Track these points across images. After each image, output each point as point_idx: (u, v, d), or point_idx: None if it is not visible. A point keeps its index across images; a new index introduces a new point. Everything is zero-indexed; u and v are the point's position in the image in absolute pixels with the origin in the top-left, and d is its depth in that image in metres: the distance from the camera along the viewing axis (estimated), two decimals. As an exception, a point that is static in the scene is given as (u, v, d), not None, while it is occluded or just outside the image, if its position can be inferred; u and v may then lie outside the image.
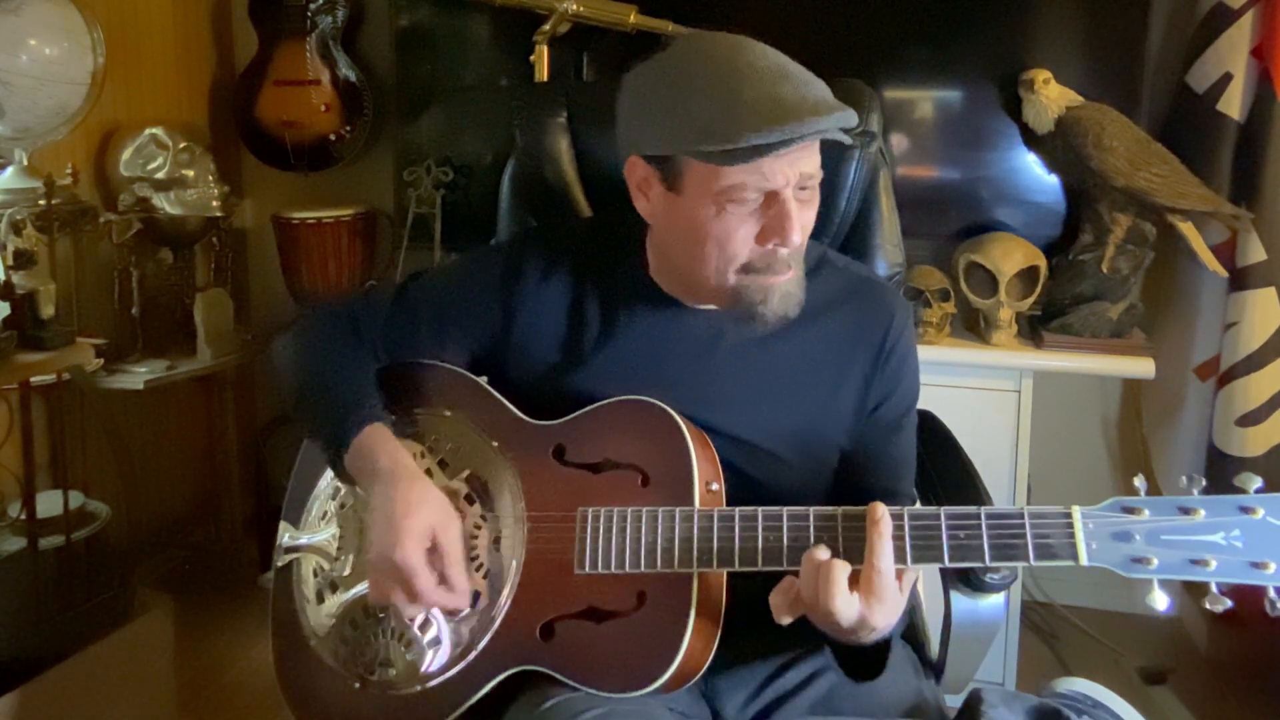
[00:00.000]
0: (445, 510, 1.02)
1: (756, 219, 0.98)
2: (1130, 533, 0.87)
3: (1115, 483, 2.42)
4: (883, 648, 0.98)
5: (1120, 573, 0.87)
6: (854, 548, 0.91)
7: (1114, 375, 2.22)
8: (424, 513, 1.00)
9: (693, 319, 1.10)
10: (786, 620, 0.93)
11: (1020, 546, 0.89)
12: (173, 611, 1.99)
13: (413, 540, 0.98)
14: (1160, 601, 0.85)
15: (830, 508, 0.94)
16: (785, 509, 0.95)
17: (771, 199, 0.97)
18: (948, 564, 0.91)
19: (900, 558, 0.90)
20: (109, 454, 1.98)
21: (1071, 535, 0.88)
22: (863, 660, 0.99)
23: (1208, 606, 0.85)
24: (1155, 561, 0.86)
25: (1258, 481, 0.86)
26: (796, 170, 0.96)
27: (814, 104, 0.92)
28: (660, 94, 0.98)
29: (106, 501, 1.99)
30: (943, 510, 0.91)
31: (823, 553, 0.91)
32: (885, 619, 0.91)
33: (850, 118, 0.94)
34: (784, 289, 1.02)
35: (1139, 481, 0.90)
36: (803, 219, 0.99)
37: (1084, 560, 0.87)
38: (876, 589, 0.89)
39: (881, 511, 0.90)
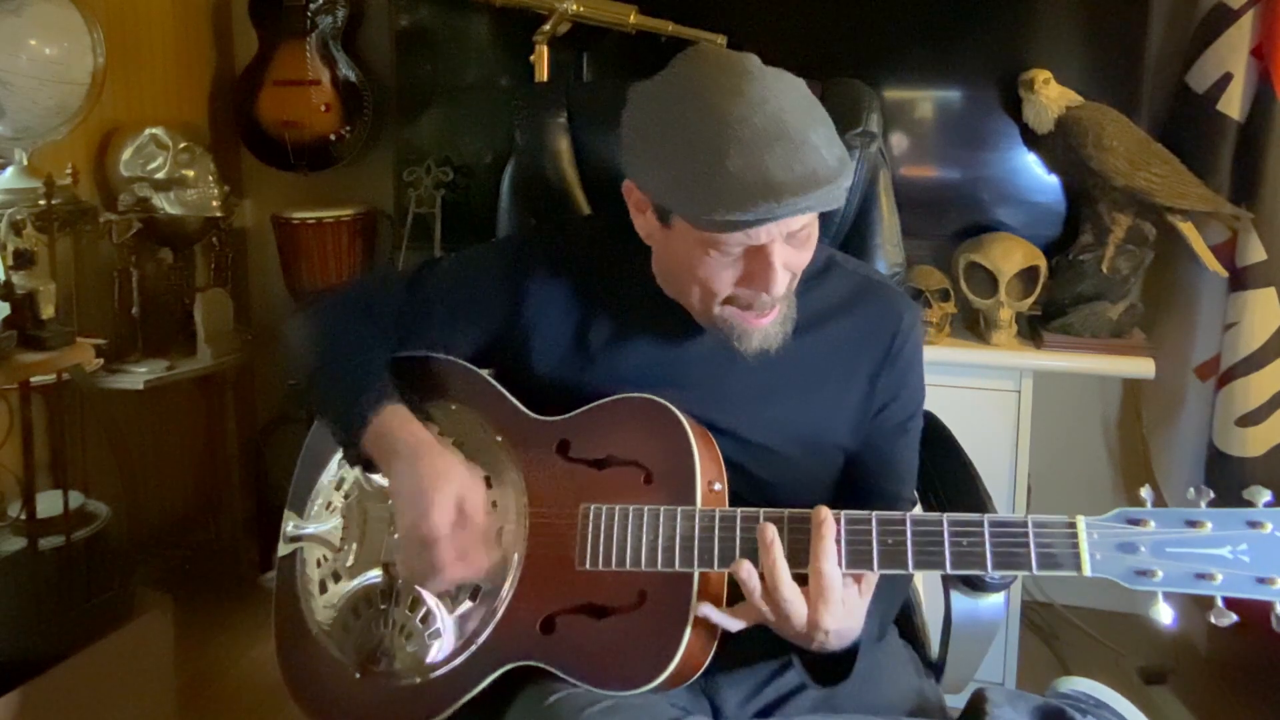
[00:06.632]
0: (469, 478, 1.03)
1: (740, 265, 0.98)
2: (1135, 544, 0.86)
3: (1116, 483, 2.42)
4: (851, 656, 0.98)
5: (1124, 585, 0.86)
6: (857, 551, 0.92)
7: (1114, 375, 2.22)
8: (450, 483, 1.01)
9: (699, 324, 1.10)
10: (736, 628, 0.96)
11: (1023, 555, 0.88)
12: (173, 611, 1.99)
13: (439, 511, 0.99)
14: (1165, 615, 0.85)
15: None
16: (786, 510, 0.95)
17: (756, 249, 0.96)
18: (949, 571, 0.91)
19: (901, 563, 0.91)
20: (109, 454, 1.98)
21: (1075, 545, 0.87)
22: (828, 666, 0.99)
23: (1213, 621, 0.84)
24: (1160, 574, 0.85)
25: (1266, 495, 0.85)
26: (784, 229, 0.95)
27: (800, 181, 0.88)
28: (652, 135, 0.96)
29: (106, 501, 1.99)
30: (945, 517, 0.91)
31: (771, 531, 0.92)
32: (836, 622, 0.92)
33: (838, 192, 0.91)
34: (765, 330, 1.02)
35: (1145, 492, 0.88)
36: (798, 259, 0.99)
37: (1087, 571, 0.86)
38: (822, 589, 0.91)
39: (825, 514, 0.92)
